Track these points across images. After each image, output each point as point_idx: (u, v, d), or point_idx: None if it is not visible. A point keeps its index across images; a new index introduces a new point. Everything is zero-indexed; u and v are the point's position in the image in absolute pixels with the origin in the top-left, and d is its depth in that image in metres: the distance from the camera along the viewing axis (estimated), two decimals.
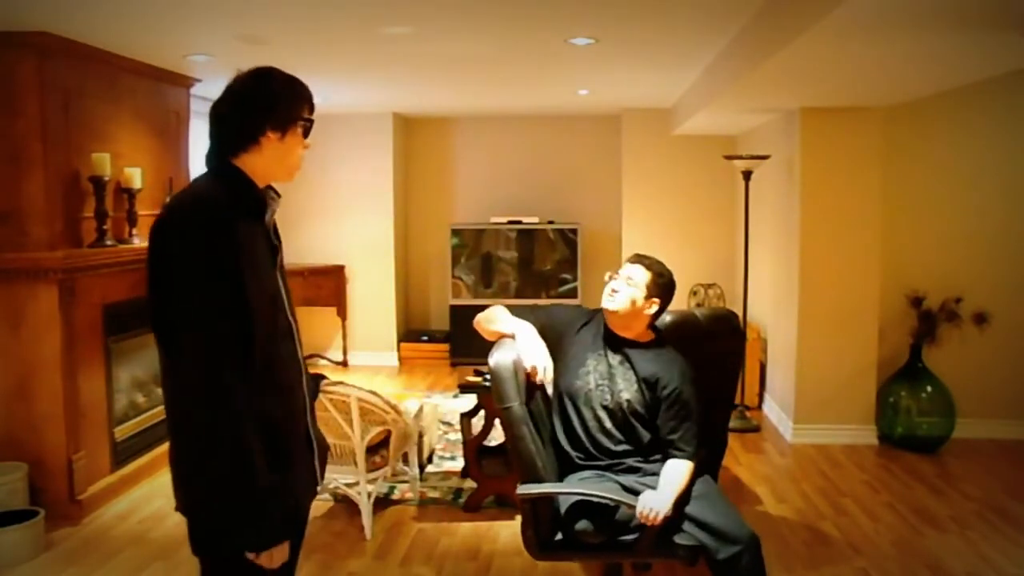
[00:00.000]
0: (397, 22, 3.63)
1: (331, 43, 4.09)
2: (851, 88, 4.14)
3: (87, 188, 3.93)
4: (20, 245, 3.69)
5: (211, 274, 1.57)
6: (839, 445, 4.85)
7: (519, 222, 7.10)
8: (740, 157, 5.32)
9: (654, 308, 2.71)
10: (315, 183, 7.15)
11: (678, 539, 2.48)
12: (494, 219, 7.14)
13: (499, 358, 2.65)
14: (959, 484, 4.23)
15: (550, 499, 2.56)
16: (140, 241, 4.30)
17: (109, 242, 3.99)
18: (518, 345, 2.74)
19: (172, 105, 4.84)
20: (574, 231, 7.06)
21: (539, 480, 2.55)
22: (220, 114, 1.71)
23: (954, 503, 3.97)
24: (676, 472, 2.55)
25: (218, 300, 1.57)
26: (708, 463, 2.76)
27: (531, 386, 2.75)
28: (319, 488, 1.90)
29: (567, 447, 2.76)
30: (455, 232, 7.13)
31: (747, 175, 5.34)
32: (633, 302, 2.67)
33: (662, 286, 2.71)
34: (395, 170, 7.08)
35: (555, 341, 2.84)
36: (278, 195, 1.81)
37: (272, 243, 1.76)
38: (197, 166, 5.31)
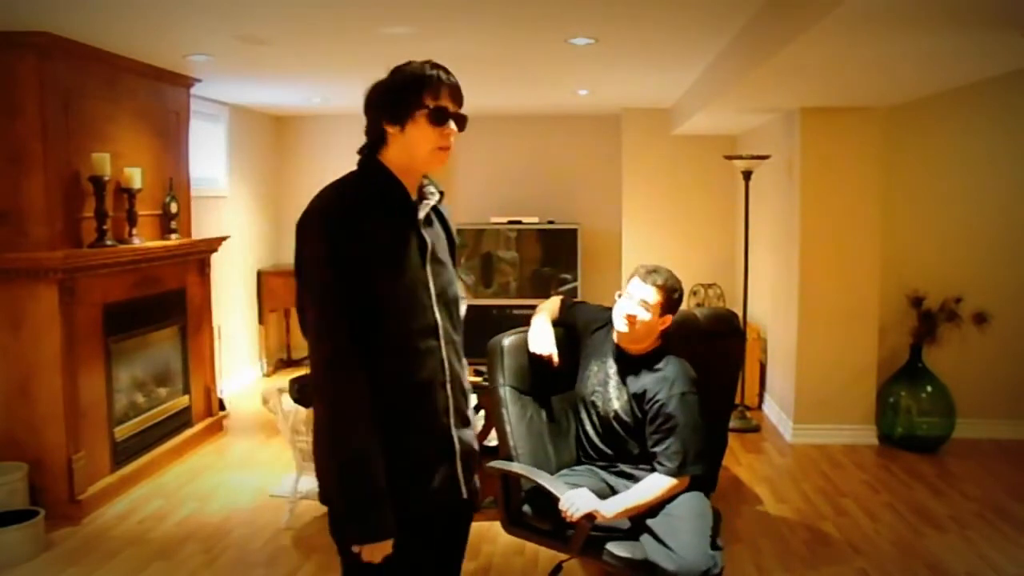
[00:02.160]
0: (397, 22, 3.63)
1: (331, 43, 4.09)
2: (851, 88, 4.14)
3: (87, 188, 3.93)
4: (20, 245, 3.69)
5: (328, 264, 1.60)
6: (839, 445, 4.85)
7: (519, 222, 7.09)
8: (740, 157, 5.32)
9: (666, 324, 2.73)
10: (315, 183, 7.08)
11: (616, 548, 2.46)
12: (494, 219, 7.14)
13: (492, 342, 2.86)
14: (959, 484, 4.23)
15: (517, 478, 2.65)
16: (140, 241, 4.30)
17: (109, 242, 3.99)
18: (528, 333, 2.88)
19: (172, 105, 4.84)
20: (574, 231, 7.05)
21: (509, 459, 2.70)
22: (365, 114, 1.76)
23: (954, 503, 3.97)
24: (646, 486, 2.54)
25: (336, 291, 1.60)
26: (707, 480, 2.73)
27: (549, 375, 2.83)
28: (464, 494, 1.79)
29: (579, 442, 2.83)
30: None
31: (747, 175, 5.34)
32: (647, 324, 2.68)
33: (675, 302, 2.73)
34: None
35: (577, 340, 2.91)
36: (439, 192, 1.81)
37: (421, 238, 1.72)
38: (197, 166, 5.31)
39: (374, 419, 1.62)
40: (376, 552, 1.64)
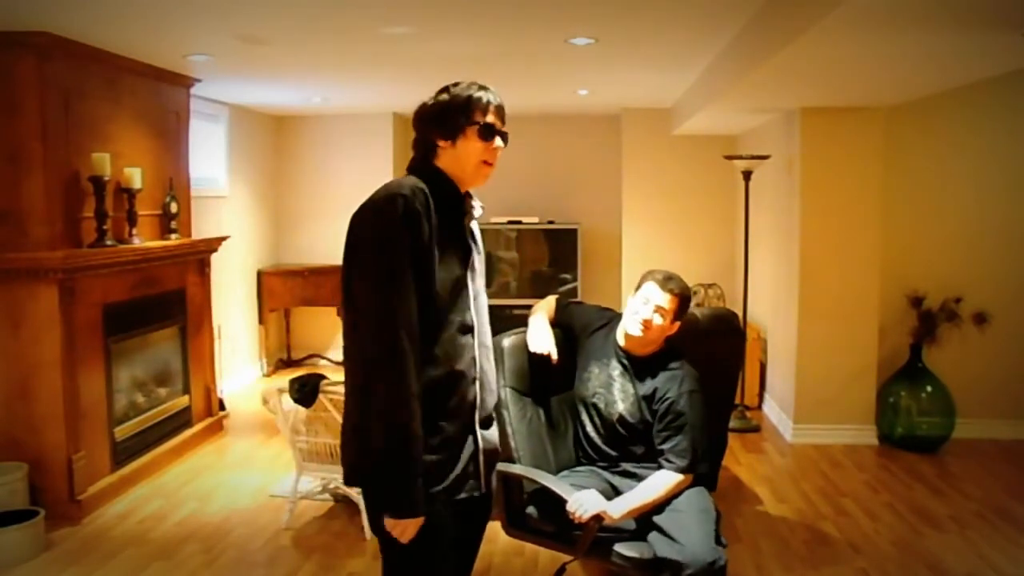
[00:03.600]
0: (397, 22, 3.63)
1: (331, 43, 4.09)
2: (851, 88, 4.14)
3: (87, 188, 3.93)
4: (20, 245, 3.69)
5: (403, 249, 1.69)
6: (839, 445, 4.85)
7: (519, 222, 7.10)
8: (740, 157, 5.32)
9: (675, 330, 2.74)
10: (315, 183, 7.15)
11: (624, 549, 2.47)
12: (494, 219, 7.14)
13: (492, 343, 2.86)
14: (959, 484, 4.23)
15: (519, 480, 2.65)
16: (140, 241, 4.30)
17: (109, 242, 3.99)
18: (527, 333, 2.89)
19: (172, 105, 4.84)
20: (574, 231, 7.05)
21: (510, 461, 2.69)
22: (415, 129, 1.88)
23: (954, 503, 3.97)
24: (653, 484, 2.55)
25: (405, 276, 1.69)
26: (708, 479, 2.74)
27: (548, 375, 2.84)
28: (479, 490, 1.86)
29: (579, 444, 2.83)
30: None
31: (747, 175, 5.34)
32: (661, 330, 2.70)
33: (686, 308, 2.75)
34: (395, 170, 7.06)
35: (575, 340, 2.91)
36: (479, 206, 1.93)
37: (466, 243, 1.86)
38: (197, 166, 5.31)
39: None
40: (409, 528, 1.71)
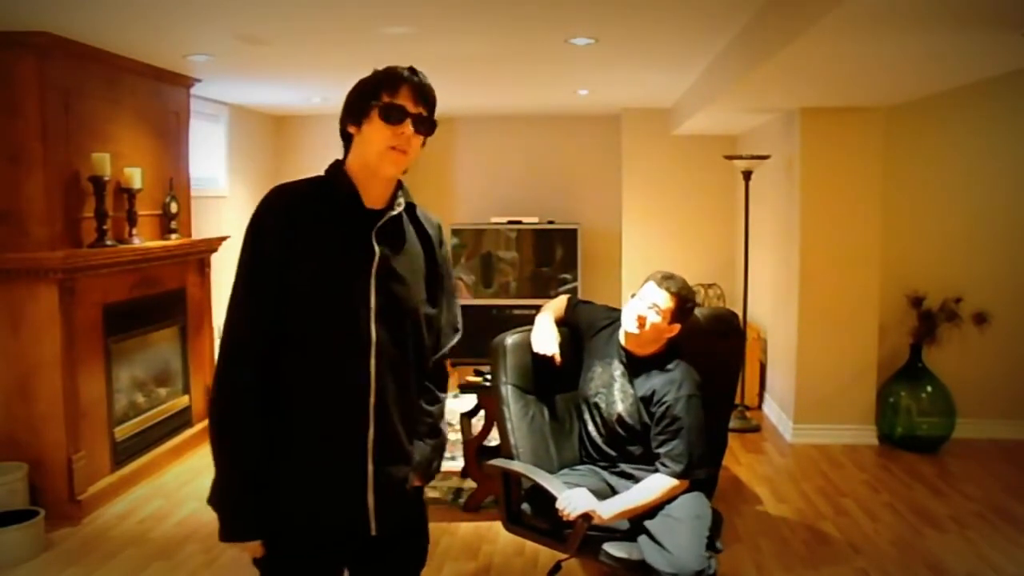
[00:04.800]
0: (397, 22, 3.63)
1: (331, 43, 4.09)
2: (851, 88, 4.14)
3: (87, 188, 3.93)
4: (20, 245, 3.69)
5: (247, 258, 1.61)
6: (839, 445, 4.85)
7: (519, 222, 7.09)
8: (740, 157, 5.32)
9: (674, 332, 2.72)
10: None
11: (612, 548, 2.46)
12: (494, 219, 7.14)
13: (495, 341, 2.88)
14: (959, 484, 4.23)
15: (518, 477, 2.65)
16: (140, 241, 4.30)
17: (109, 242, 3.99)
18: (532, 332, 2.90)
19: (172, 105, 4.84)
20: (574, 231, 7.05)
21: (510, 457, 2.70)
22: None
23: (954, 503, 3.97)
24: (647, 486, 2.54)
25: (246, 284, 1.60)
26: (708, 481, 2.72)
27: (553, 374, 2.84)
28: (373, 530, 1.64)
29: (582, 443, 2.83)
30: (455, 232, 7.13)
31: (747, 175, 5.34)
32: (655, 327, 2.68)
33: (687, 311, 2.72)
34: None
35: (581, 339, 2.92)
36: (407, 203, 1.72)
37: (367, 246, 1.62)
38: (197, 166, 5.31)
39: (275, 421, 1.59)
40: (247, 552, 1.62)
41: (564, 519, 2.43)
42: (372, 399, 1.60)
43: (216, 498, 1.60)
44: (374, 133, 1.62)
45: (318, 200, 1.65)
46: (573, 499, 2.42)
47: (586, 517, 2.41)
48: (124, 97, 4.34)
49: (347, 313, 1.59)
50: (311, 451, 1.61)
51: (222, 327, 1.64)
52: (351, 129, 1.68)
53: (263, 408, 1.58)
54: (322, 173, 1.74)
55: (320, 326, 1.59)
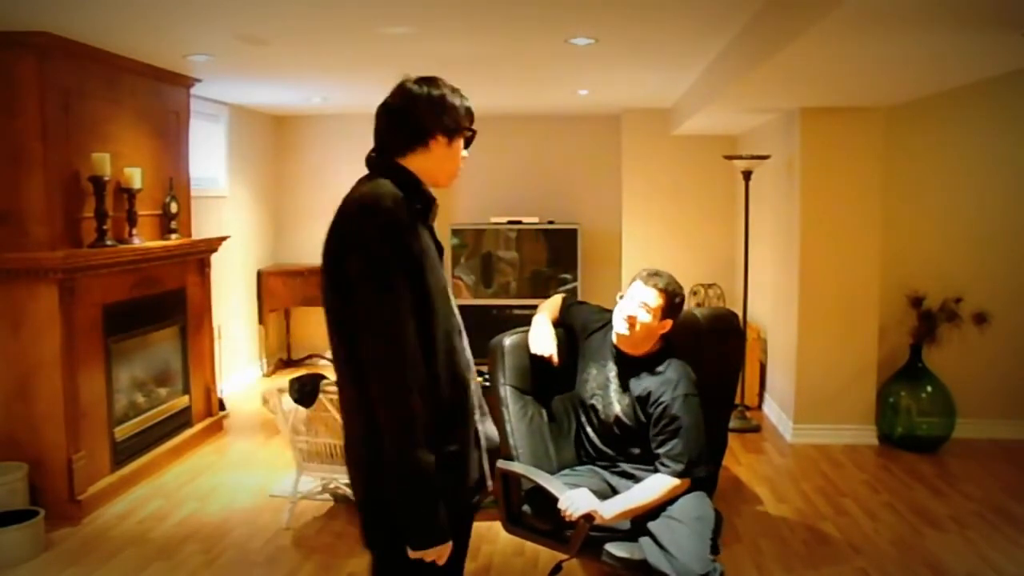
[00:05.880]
0: (397, 22, 3.63)
1: (331, 43, 4.09)
2: (851, 88, 4.14)
3: (87, 188, 3.93)
4: (20, 245, 3.69)
5: (395, 274, 1.61)
6: (839, 445, 4.85)
7: (519, 222, 7.09)
8: (740, 157, 5.32)
9: (666, 328, 2.72)
10: (315, 183, 7.15)
11: (614, 548, 2.46)
12: (494, 219, 7.14)
13: (494, 342, 2.89)
14: (959, 484, 4.23)
15: (517, 478, 2.65)
16: (140, 241, 4.30)
17: (109, 242, 3.99)
18: (529, 333, 2.90)
19: (172, 105, 4.84)
20: (574, 231, 7.05)
21: (509, 458, 2.70)
22: (392, 114, 1.78)
23: (954, 503, 3.97)
24: (648, 486, 2.53)
25: (402, 292, 1.61)
26: (708, 481, 2.72)
27: (550, 375, 2.84)
28: (489, 486, 1.86)
29: (580, 443, 2.83)
30: (455, 232, 7.13)
31: (747, 175, 5.34)
32: (646, 326, 2.67)
33: (676, 307, 2.72)
34: None
35: (575, 341, 2.92)
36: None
37: (438, 243, 1.78)
38: (197, 166, 5.31)
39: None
40: (443, 553, 1.66)
41: (566, 520, 2.42)
42: (473, 373, 1.82)
43: (415, 512, 1.63)
44: (455, 154, 1.81)
45: (412, 205, 1.71)
46: (575, 500, 2.42)
47: (588, 517, 2.40)
48: (124, 97, 4.34)
49: (449, 304, 1.75)
50: (453, 430, 1.73)
51: (379, 338, 1.60)
52: (440, 139, 1.77)
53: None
54: (370, 173, 1.80)
55: (441, 318, 1.70)
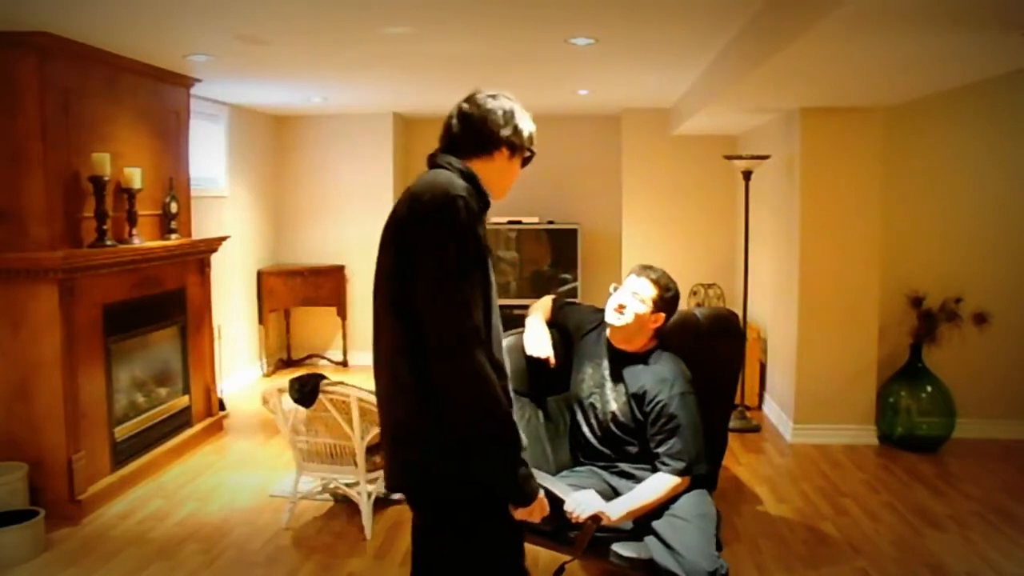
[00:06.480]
0: (397, 22, 3.63)
1: (331, 43, 4.09)
2: (851, 88, 4.14)
3: (87, 188, 3.93)
4: (20, 245, 3.69)
5: (476, 256, 1.71)
6: (839, 445, 4.85)
7: (519, 222, 7.09)
8: (740, 157, 5.32)
9: (659, 322, 2.71)
10: (315, 183, 7.15)
11: (621, 548, 2.46)
12: (494, 219, 7.13)
13: None
14: (959, 484, 4.23)
15: None
16: (140, 241, 4.30)
17: (109, 242, 3.99)
18: (524, 335, 2.89)
19: (172, 105, 4.84)
20: (574, 231, 7.05)
21: None
22: (467, 120, 1.88)
23: (954, 503, 3.97)
24: (651, 486, 2.54)
25: (474, 289, 1.69)
26: (708, 479, 2.73)
27: (546, 376, 2.83)
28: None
29: (576, 444, 2.83)
30: None
31: (747, 175, 5.34)
32: (638, 317, 2.66)
33: (668, 300, 2.71)
34: (395, 170, 7.08)
35: (570, 341, 2.92)
36: None
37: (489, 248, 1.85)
38: (197, 166, 5.31)
39: None
40: (536, 510, 1.77)
41: (573, 521, 2.42)
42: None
43: (511, 473, 1.72)
44: (512, 170, 1.93)
45: (484, 202, 1.82)
46: (582, 501, 2.42)
47: (595, 519, 2.41)
48: (124, 97, 4.34)
49: (497, 305, 1.84)
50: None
51: (455, 318, 1.67)
52: (503, 152, 1.89)
53: None
54: (451, 173, 1.83)
55: (495, 315, 1.80)
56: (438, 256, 1.68)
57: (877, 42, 2.98)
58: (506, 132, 1.87)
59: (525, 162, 1.96)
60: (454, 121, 1.89)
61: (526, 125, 1.93)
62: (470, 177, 1.81)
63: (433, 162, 1.88)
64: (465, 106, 1.89)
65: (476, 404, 1.67)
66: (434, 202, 1.71)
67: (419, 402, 1.73)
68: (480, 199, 1.79)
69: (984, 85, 4.22)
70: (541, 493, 1.77)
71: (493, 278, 1.80)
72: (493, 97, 1.90)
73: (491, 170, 1.87)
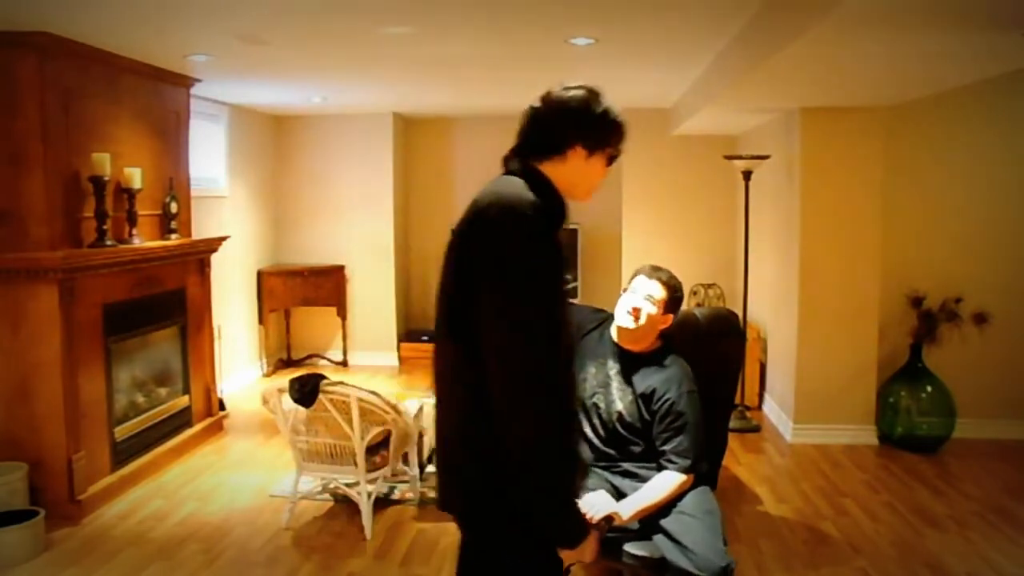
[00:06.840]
0: (397, 22, 3.63)
1: (331, 43, 4.09)
2: (851, 88, 4.14)
3: (87, 188, 3.93)
4: (20, 245, 3.69)
5: (555, 279, 1.57)
6: (839, 445, 4.85)
7: None
8: (740, 157, 5.32)
9: (667, 323, 2.73)
10: (315, 183, 7.15)
11: (632, 548, 2.47)
12: None
13: None
14: (959, 484, 4.23)
15: None
16: (140, 241, 4.30)
17: (109, 242, 3.99)
18: None
19: (172, 105, 4.84)
20: (574, 231, 7.05)
21: None
22: (535, 117, 1.71)
23: (954, 503, 3.97)
24: (658, 484, 2.55)
25: (545, 309, 1.53)
26: (709, 477, 2.74)
27: None
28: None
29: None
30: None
31: (747, 175, 5.34)
32: (651, 319, 2.68)
33: (676, 301, 2.73)
34: (395, 170, 7.08)
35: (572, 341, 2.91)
36: None
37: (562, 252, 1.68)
38: (197, 166, 5.31)
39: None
40: (587, 548, 1.64)
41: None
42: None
43: (565, 512, 1.59)
44: (594, 169, 1.73)
45: (551, 214, 1.63)
46: (594, 502, 2.42)
47: (608, 519, 2.41)
48: (124, 97, 4.34)
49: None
50: (573, 435, 1.69)
51: (526, 347, 1.51)
52: (579, 150, 1.69)
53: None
54: (510, 177, 1.69)
55: (567, 334, 1.65)
56: (501, 278, 1.52)
57: (877, 42, 2.98)
58: (578, 128, 1.67)
59: (611, 160, 1.75)
60: (525, 119, 1.72)
61: (608, 117, 1.70)
62: (542, 184, 1.64)
63: (505, 167, 1.73)
64: (537, 101, 1.72)
65: (532, 434, 1.51)
66: (499, 217, 1.56)
67: (473, 433, 1.61)
68: (554, 210, 1.63)
69: (984, 85, 4.22)
70: (592, 536, 1.64)
71: (564, 294, 1.63)
72: (568, 89, 1.71)
73: (566, 172, 1.68)
